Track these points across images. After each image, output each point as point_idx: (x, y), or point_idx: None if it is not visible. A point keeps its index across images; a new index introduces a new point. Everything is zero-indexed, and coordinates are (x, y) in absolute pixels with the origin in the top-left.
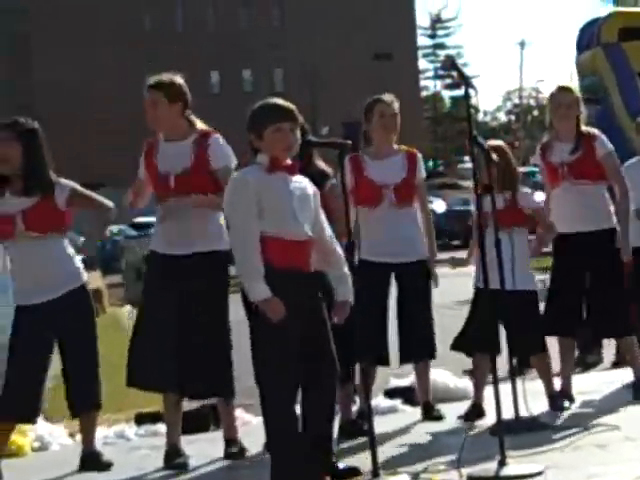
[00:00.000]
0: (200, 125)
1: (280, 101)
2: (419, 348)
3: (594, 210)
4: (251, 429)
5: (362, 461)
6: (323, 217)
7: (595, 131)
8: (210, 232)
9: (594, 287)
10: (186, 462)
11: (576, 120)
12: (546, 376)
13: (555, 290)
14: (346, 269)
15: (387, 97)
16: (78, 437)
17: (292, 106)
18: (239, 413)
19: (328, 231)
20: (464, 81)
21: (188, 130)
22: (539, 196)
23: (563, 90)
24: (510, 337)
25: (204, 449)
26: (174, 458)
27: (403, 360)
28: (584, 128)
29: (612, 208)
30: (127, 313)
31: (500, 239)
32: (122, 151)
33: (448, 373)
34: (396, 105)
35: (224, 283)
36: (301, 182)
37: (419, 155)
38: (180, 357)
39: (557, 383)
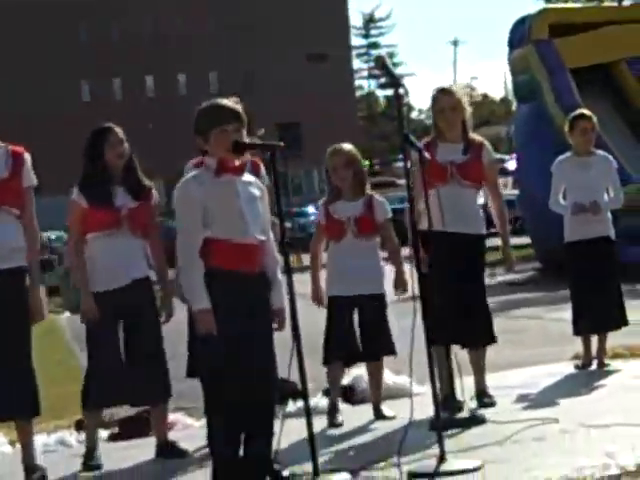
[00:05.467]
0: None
1: (225, 102)
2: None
3: (474, 213)
4: (193, 432)
5: (302, 460)
6: (268, 218)
7: (481, 138)
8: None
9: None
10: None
11: (462, 122)
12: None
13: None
14: (279, 275)
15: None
16: (18, 445)
17: (237, 107)
18: (180, 417)
19: (270, 234)
20: (394, 81)
21: None
22: None
23: (445, 92)
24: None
25: (146, 452)
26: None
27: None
28: (471, 134)
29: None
30: (65, 320)
31: None
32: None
33: (387, 370)
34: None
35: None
36: (249, 183)
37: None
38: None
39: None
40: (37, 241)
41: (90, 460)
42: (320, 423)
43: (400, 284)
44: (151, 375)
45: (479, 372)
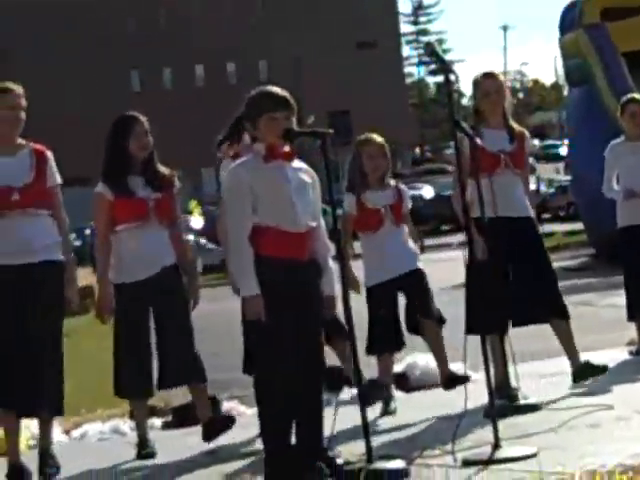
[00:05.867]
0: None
1: (275, 89)
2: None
3: (524, 199)
4: (246, 421)
5: (356, 447)
6: (319, 204)
7: (521, 127)
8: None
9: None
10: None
11: (502, 108)
12: None
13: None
14: (331, 263)
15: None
16: (73, 433)
17: (286, 94)
18: (234, 405)
19: (321, 221)
20: (444, 67)
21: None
22: None
23: (488, 76)
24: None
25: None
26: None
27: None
28: (511, 121)
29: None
30: None
31: None
32: None
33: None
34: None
35: None
36: (300, 169)
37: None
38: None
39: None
40: (69, 235)
41: (144, 449)
42: (374, 411)
43: None
44: (183, 359)
45: (573, 345)
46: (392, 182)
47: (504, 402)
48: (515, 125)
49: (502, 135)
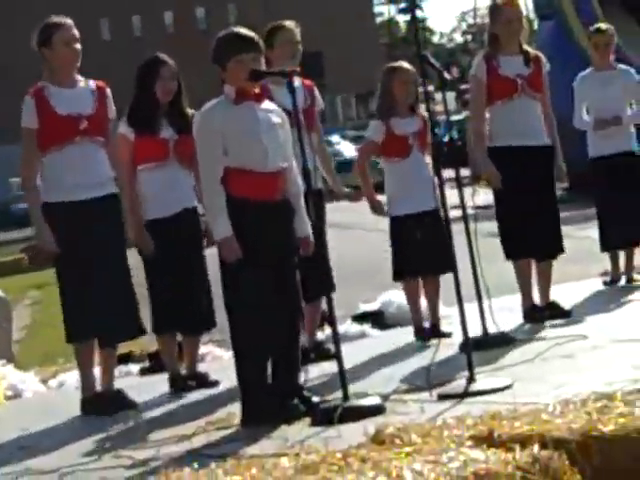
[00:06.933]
0: None
1: (242, 31)
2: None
3: (542, 124)
4: (223, 364)
5: (331, 385)
6: (290, 146)
7: (534, 50)
8: None
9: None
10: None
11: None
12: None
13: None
14: (302, 202)
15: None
16: (50, 383)
17: (254, 35)
18: (212, 348)
19: (292, 162)
20: (411, 2)
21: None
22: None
23: (511, 4)
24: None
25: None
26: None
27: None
28: (525, 44)
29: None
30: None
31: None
32: None
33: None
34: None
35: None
36: (270, 111)
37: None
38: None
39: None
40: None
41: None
42: (350, 349)
43: None
44: (202, 304)
45: (548, 283)
46: (420, 110)
47: (479, 336)
48: (529, 49)
49: (518, 60)
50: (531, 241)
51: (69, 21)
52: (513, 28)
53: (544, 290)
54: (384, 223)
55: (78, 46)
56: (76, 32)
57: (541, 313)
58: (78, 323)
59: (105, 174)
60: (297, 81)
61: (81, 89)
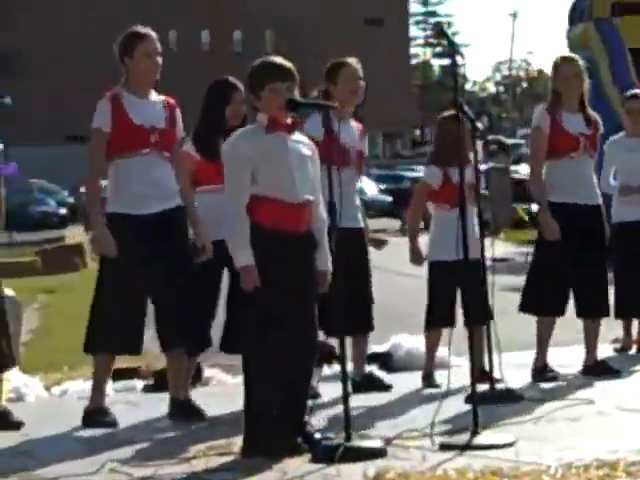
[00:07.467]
0: None
1: (277, 60)
2: None
3: (594, 183)
4: (228, 389)
5: (335, 425)
6: (319, 179)
7: (594, 112)
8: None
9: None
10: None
11: (580, 92)
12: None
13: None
14: (325, 237)
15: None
16: (53, 390)
17: (289, 65)
18: (217, 373)
19: (319, 195)
20: (451, 48)
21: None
22: (524, 168)
23: (571, 61)
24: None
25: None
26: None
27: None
28: (587, 102)
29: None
30: None
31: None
32: None
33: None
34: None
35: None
36: (300, 142)
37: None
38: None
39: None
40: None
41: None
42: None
43: None
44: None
45: (596, 341)
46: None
47: (486, 390)
48: (590, 110)
49: (580, 118)
50: (578, 299)
51: (153, 33)
52: (572, 85)
53: (592, 348)
54: (404, 265)
55: (159, 59)
56: (158, 45)
57: (551, 374)
58: (105, 336)
59: (171, 188)
60: (353, 122)
61: (154, 102)
